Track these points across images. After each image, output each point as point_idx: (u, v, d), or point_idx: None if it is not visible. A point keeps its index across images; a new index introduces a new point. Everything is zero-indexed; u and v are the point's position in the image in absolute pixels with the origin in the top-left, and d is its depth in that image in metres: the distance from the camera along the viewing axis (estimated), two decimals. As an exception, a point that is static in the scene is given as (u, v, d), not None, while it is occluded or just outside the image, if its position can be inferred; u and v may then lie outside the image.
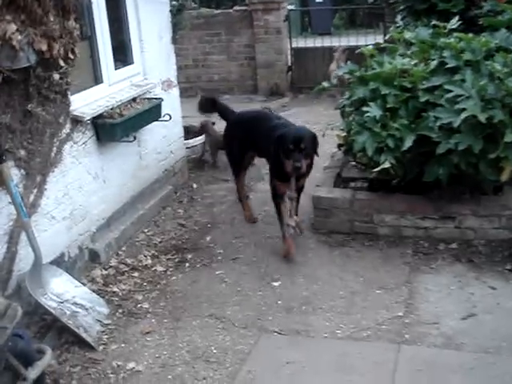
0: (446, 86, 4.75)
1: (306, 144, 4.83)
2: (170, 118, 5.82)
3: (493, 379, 3.57)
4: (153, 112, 5.59)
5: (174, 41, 6.52)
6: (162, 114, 5.72)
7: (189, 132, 7.05)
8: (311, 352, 3.85)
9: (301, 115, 8.61)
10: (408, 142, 4.73)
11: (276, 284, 4.69)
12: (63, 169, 4.63)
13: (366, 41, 9.56)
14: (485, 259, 4.80)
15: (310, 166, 5.05)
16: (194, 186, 6.65)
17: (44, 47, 4.10)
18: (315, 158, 5.06)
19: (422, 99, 4.85)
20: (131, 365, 3.90)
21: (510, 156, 4.54)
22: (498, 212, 4.97)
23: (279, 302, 4.45)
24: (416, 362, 3.74)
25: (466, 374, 3.62)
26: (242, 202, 5.89)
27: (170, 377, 3.78)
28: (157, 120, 5.69)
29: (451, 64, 4.90)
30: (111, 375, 3.83)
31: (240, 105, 9.93)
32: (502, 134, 4.50)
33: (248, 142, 5.58)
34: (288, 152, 4.83)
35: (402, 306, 4.29)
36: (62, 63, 4.34)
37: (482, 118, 4.47)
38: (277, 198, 5.18)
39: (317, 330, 4.08)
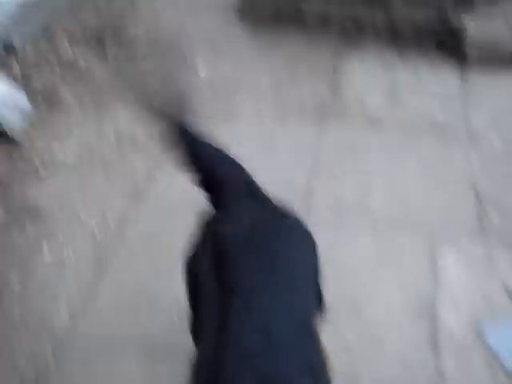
0: None
1: None
2: None
3: (414, 158, 3.71)
4: None
5: None
6: None
7: None
8: (236, 135, 3.86)
9: None
10: None
11: (201, 73, 4.55)
12: None
13: None
14: (412, 44, 4.75)
15: None
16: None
17: None
18: None
19: None
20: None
21: None
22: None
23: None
24: (339, 144, 3.83)
25: (387, 153, 3.76)
26: None
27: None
28: None
29: None
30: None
31: None
32: None
33: None
34: None
35: (328, 90, 4.30)
36: None
37: None
38: None
39: (243, 115, 4.07)
